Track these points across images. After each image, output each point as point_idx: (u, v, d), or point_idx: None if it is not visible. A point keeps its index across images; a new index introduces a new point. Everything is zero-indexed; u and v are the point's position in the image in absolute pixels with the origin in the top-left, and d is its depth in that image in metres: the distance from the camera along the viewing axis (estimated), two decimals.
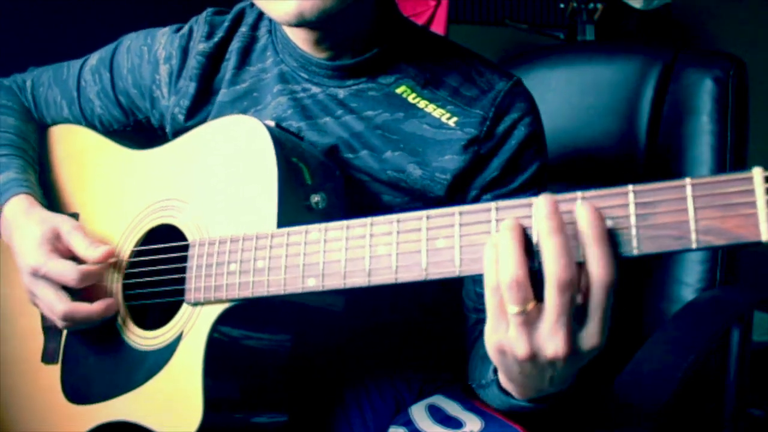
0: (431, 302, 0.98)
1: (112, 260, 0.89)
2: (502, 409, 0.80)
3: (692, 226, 0.53)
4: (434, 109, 0.89)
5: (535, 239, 0.58)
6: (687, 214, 0.53)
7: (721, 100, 1.21)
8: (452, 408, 0.92)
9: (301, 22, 0.81)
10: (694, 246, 0.53)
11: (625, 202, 0.55)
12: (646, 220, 0.55)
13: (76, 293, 0.89)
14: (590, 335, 0.57)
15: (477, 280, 0.91)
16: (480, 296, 0.91)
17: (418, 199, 0.90)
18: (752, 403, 1.88)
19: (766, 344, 1.95)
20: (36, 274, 0.87)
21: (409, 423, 0.90)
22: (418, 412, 0.92)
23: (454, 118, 0.89)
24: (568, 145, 1.35)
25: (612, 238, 0.55)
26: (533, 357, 0.58)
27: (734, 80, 1.21)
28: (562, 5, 2.71)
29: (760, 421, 1.89)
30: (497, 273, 0.57)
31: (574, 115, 1.36)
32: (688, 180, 0.54)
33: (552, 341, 0.57)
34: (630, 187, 0.56)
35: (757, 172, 0.51)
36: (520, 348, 0.58)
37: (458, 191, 0.90)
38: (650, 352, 0.95)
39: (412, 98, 0.90)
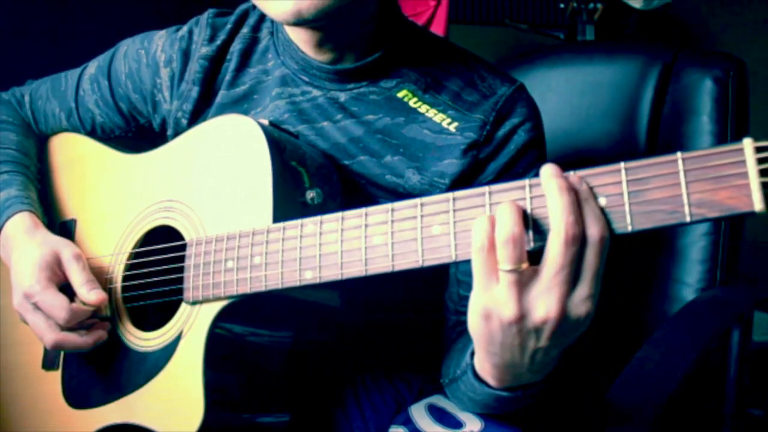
0: (430, 302, 0.98)
1: (105, 304, 0.88)
2: (475, 404, 0.78)
3: (685, 199, 0.54)
4: (435, 114, 0.89)
5: (530, 209, 0.59)
6: (679, 188, 0.54)
7: (721, 100, 1.21)
8: (452, 408, 0.92)
9: (299, 21, 0.80)
10: (687, 219, 0.54)
11: (618, 180, 0.56)
12: (639, 197, 0.55)
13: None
14: (582, 299, 0.58)
15: (461, 281, 0.92)
16: (462, 298, 0.91)
17: None
18: (752, 403, 1.88)
19: (766, 344, 1.95)
20: (28, 299, 0.86)
21: (408, 422, 0.90)
22: (418, 412, 0.92)
23: (455, 123, 0.89)
24: (567, 145, 1.35)
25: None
26: (520, 319, 0.58)
27: (734, 80, 1.21)
28: (562, 5, 2.71)
29: (760, 421, 1.89)
30: (489, 232, 0.58)
31: (574, 115, 1.36)
32: (679, 154, 0.54)
33: (544, 301, 0.57)
34: (622, 164, 0.56)
35: (747, 143, 0.52)
36: (508, 309, 0.58)
37: None
38: (650, 352, 0.95)
39: (413, 102, 0.90)
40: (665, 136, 1.27)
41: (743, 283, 1.22)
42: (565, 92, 1.38)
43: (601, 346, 1.23)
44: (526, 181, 0.60)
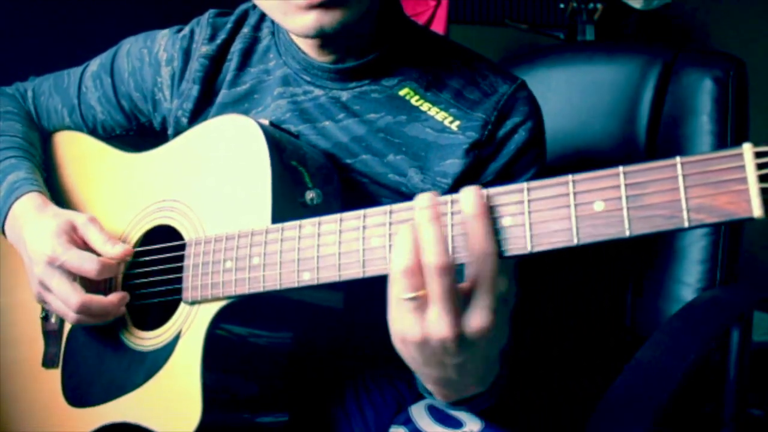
0: None
1: (129, 258, 0.88)
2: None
3: (684, 204, 0.53)
4: (437, 113, 0.89)
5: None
6: (678, 193, 0.53)
7: (721, 100, 1.21)
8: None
9: (319, 34, 0.81)
10: (686, 225, 0.53)
11: (617, 184, 0.56)
12: (638, 201, 0.55)
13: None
14: (475, 314, 0.58)
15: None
16: None
17: None
18: (752, 403, 1.88)
19: (766, 344, 1.95)
20: (53, 264, 0.85)
21: (409, 422, 0.90)
22: (418, 412, 0.92)
23: (457, 122, 0.89)
24: (567, 145, 1.35)
25: (492, 214, 0.59)
26: (426, 341, 0.59)
27: (734, 80, 1.21)
28: (562, 5, 2.71)
29: (760, 421, 1.89)
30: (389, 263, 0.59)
31: (574, 115, 1.36)
32: (678, 159, 0.53)
33: (437, 324, 0.58)
34: (620, 168, 0.56)
35: (746, 148, 0.51)
36: (413, 332, 0.59)
37: None
38: (650, 352, 0.95)
39: (414, 100, 0.90)
40: (665, 136, 1.27)
41: (743, 283, 1.22)
42: (565, 92, 1.38)
43: (601, 346, 1.23)
44: (524, 185, 0.60)
